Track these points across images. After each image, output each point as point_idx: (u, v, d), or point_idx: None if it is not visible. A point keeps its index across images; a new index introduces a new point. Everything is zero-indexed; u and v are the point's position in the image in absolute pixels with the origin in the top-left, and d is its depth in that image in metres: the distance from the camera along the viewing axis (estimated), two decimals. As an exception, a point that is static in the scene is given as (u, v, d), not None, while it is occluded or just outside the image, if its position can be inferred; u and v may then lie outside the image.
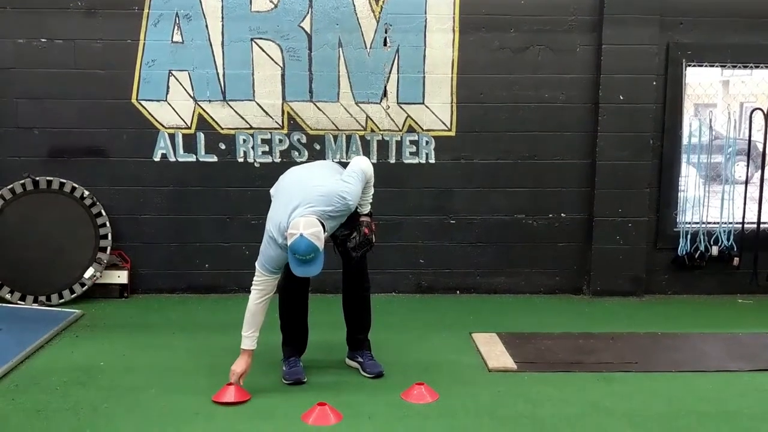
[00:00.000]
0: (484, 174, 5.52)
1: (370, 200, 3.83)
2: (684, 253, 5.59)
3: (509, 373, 3.97)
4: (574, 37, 5.42)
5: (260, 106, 5.38)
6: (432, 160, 5.50)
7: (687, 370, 4.03)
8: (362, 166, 3.71)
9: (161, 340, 4.46)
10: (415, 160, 5.49)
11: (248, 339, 3.61)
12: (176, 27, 5.29)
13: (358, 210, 3.73)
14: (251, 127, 5.41)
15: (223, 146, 5.42)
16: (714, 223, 5.69)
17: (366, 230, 3.72)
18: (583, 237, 5.61)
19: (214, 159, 5.43)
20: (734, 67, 5.56)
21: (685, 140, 5.62)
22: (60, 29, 5.24)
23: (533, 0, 5.36)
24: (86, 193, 5.27)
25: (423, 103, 5.44)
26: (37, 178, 5.25)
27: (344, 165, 3.88)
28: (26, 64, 5.25)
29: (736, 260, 5.62)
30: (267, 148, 5.41)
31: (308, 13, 5.31)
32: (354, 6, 5.33)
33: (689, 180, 5.68)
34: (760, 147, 5.72)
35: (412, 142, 5.48)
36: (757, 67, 5.54)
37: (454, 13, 5.36)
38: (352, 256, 3.73)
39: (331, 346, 4.17)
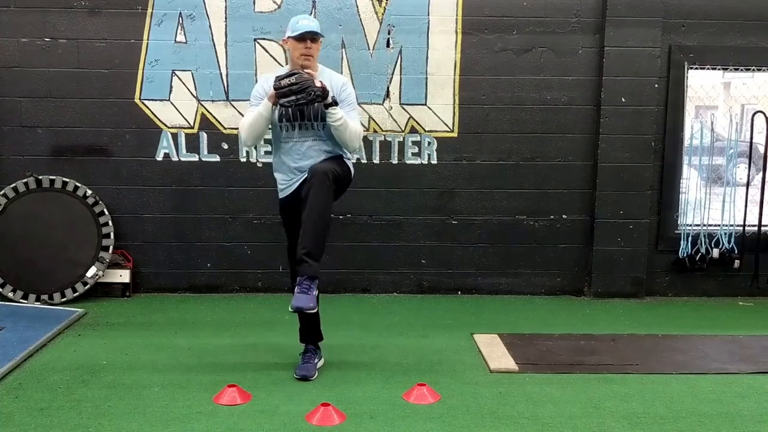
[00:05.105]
0: (485, 175, 5.53)
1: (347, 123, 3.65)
2: (685, 255, 5.60)
3: (510, 373, 3.98)
4: (577, 39, 5.43)
5: (263, 106, 5.40)
6: (434, 161, 5.52)
7: (688, 371, 4.04)
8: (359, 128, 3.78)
9: (163, 339, 4.47)
10: (418, 161, 5.51)
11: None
12: (180, 27, 5.30)
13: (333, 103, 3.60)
14: (254, 127, 5.41)
15: (225, 146, 5.43)
16: (715, 225, 5.71)
17: (321, 85, 3.48)
18: (585, 238, 5.62)
19: (217, 159, 5.44)
20: (736, 69, 5.58)
21: (686, 142, 5.64)
22: (63, 28, 5.25)
23: (536, 2, 5.38)
24: (89, 192, 5.29)
25: (425, 104, 5.46)
26: (40, 177, 5.26)
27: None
28: (30, 63, 5.27)
29: (736, 262, 5.64)
30: (269, 148, 5.41)
31: (311, 13, 5.31)
32: (357, 7, 5.34)
33: (690, 182, 5.69)
34: (761, 149, 5.74)
35: (414, 142, 5.49)
36: (758, 69, 5.56)
37: (456, 15, 5.37)
38: (283, 91, 3.44)
39: (332, 346, 4.17)
